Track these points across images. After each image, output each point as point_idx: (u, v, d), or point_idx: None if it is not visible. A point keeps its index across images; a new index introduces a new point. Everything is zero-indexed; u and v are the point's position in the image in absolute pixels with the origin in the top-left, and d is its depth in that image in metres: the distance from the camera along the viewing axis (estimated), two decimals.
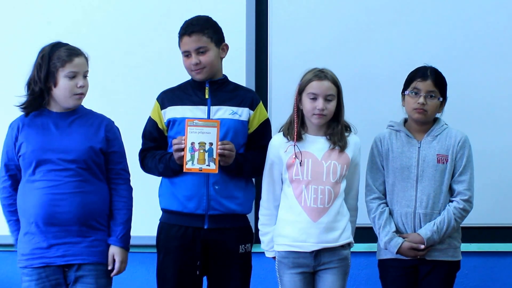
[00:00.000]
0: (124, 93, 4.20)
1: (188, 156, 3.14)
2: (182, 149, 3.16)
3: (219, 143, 3.14)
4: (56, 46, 3.12)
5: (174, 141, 3.21)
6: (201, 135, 3.14)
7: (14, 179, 3.19)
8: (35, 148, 3.10)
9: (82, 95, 3.14)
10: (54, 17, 4.24)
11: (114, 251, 3.17)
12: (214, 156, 3.13)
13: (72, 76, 3.10)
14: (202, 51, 3.27)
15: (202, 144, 3.14)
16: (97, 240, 3.16)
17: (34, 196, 3.08)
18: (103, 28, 4.23)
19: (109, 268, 3.16)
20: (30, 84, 3.12)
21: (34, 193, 3.09)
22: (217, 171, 3.14)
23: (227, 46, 3.36)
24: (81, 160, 3.12)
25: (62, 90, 3.10)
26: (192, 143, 3.14)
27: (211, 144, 3.13)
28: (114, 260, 3.16)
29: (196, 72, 3.29)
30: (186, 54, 3.29)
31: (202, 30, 3.26)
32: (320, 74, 3.20)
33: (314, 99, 3.18)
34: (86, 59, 3.16)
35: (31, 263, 3.10)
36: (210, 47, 3.27)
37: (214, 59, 3.29)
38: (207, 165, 3.13)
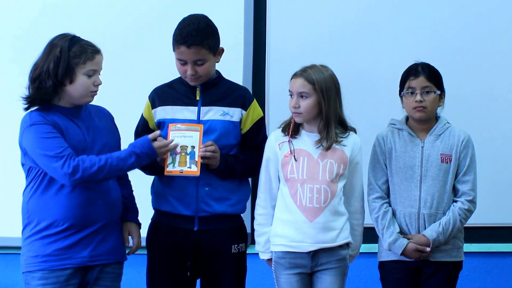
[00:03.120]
0: (117, 89, 4.12)
1: (169, 159, 3.13)
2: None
3: (201, 145, 3.12)
4: (74, 40, 2.98)
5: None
6: (183, 138, 3.13)
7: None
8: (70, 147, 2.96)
9: (95, 93, 3.04)
10: (51, 13, 4.22)
11: (132, 227, 3.18)
12: (196, 159, 3.11)
13: (91, 74, 2.98)
14: (200, 63, 3.19)
15: (184, 148, 3.12)
16: (119, 239, 3.13)
17: (67, 196, 2.95)
18: (97, 25, 4.17)
19: (127, 245, 3.15)
20: (39, 77, 2.93)
21: (66, 192, 2.96)
22: (198, 173, 3.12)
23: (222, 50, 3.29)
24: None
25: (79, 87, 2.97)
26: None
27: (193, 147, 3.13)
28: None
29: (191, 80, 3.24)
30: (182, 63, 3.21)
31: (202, 42, 3.16)
32: (300, 71, 3.18)
33: (291, 96, 3.18)
34: (102, 56, 3.04)
35: (51, 265, 2.95)
36: (208, 58, 3.20)
37: (210, 69, 3.24)
38: (188, 167, 3.11)
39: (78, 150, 2.96)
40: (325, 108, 3.14)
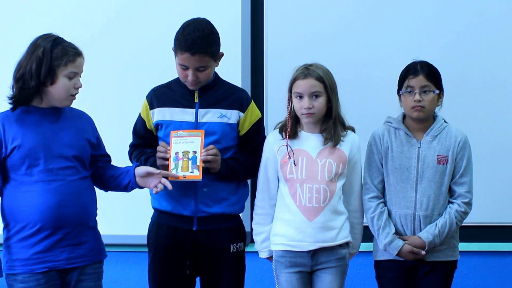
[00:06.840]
0: (114, 87, 4.19)
1: (172, 165, 3.16)
2: (166, 159, 3.16)
3: (203, 149, 3.14)
4: (56, 41, 2.99)
5: (159, 148, 3.21)
6: (185, 144, 3.16)
7: None
8: (33, 146, 2.97)
9: (75, 97, 3.05)
10: (44, 11, 4.23)
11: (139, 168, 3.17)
12: (198, 163, 3.14)
13: (72, 77, 2.99)
14: (202, 69, 3.19)
15: (186, 153, 3.15)
16: (96, 239, 3.12)
17: (38, 198, 2.96)
18: (94, 24, 4.21)
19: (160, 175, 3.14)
20: (23, 77, 2.95)
21: (38, 194, 2.96)
22: (201, 178, 3.14)
23: (222, 54, 3.28)
24: (80, 155, 3.06)
25: (60, 89, 2.98)
26: (176, 153, 3.17)
27: (194, 152, 3.15)
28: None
29: (191, 85, 3.24)
30: (184, 68, 3.20)
31: (206, 50, 3.15)
32: (305, 71, 3.16)
33: (301, 97, 3.15)
34: (84, 59, 3.05)
35: (31, 268, 2.98)
36: (210, 64, 3.20)
37: (211, 74, 3.25)
38: (190, 172, 3.14)
39: (38, 149, 2.97)
40: (335, 105, 3.16)
